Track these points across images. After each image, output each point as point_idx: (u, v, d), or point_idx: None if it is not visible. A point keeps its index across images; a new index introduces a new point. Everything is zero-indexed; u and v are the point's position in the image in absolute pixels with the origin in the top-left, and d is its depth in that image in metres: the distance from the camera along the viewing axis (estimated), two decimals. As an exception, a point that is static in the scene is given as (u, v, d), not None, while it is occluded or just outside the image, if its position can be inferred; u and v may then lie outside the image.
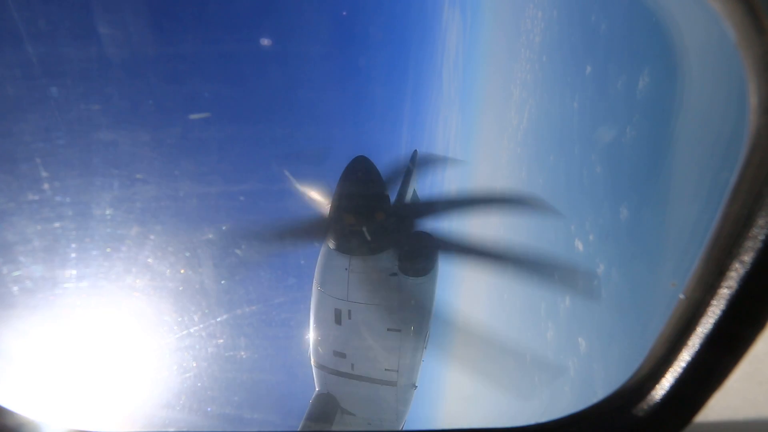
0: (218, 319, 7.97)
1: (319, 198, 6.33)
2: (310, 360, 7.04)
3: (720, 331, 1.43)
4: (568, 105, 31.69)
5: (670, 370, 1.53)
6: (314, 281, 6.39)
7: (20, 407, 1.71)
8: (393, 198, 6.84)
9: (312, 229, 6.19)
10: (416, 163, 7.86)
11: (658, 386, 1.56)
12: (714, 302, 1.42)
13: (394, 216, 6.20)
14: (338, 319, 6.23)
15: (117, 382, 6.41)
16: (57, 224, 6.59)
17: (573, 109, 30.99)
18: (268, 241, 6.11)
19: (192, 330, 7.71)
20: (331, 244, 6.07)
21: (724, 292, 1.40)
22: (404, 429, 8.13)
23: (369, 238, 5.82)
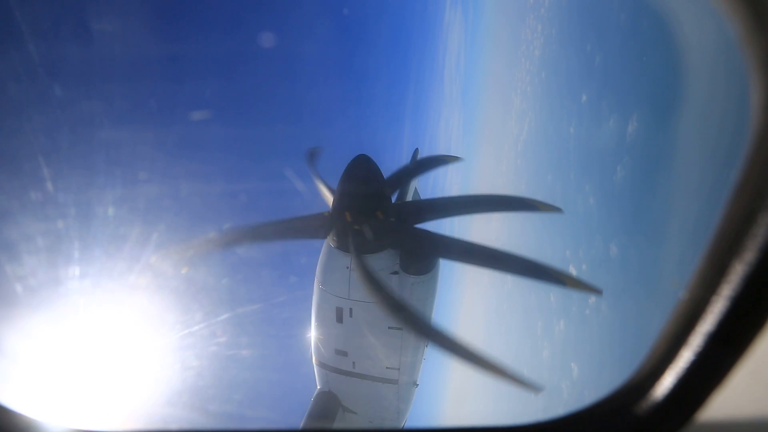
0: (220, 318, 7.98)
1: (326, 194, 6.35)
2: (312, 358, 7.05)
3: (721, 330, 1.43)
4: (572, 103, 31.63)
5: (672, 368, 1.53)
6: (316, 279, 6.40)
7: (22, 407, 1.71)
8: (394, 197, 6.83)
9: (313, 224, 6.21)
10: (417, 161, 7.87)
11: (659, 384, 1.56)
12: (715, 300, 1.42)
13: (395, 214, 6.21)
14: (340, 318, 6.24)
15: (119, 380, 6.43)
16: (60, 223, 6.61)
17: (575, 105, 30.92)
18: (270, 234, 6.15)
19: (194, 328, 7.73)
20: (333, 242, 6.07)
21: (726, 290, 1.40)
22: (405, 427, 8.14)
23: (370, 236, 5.83)
